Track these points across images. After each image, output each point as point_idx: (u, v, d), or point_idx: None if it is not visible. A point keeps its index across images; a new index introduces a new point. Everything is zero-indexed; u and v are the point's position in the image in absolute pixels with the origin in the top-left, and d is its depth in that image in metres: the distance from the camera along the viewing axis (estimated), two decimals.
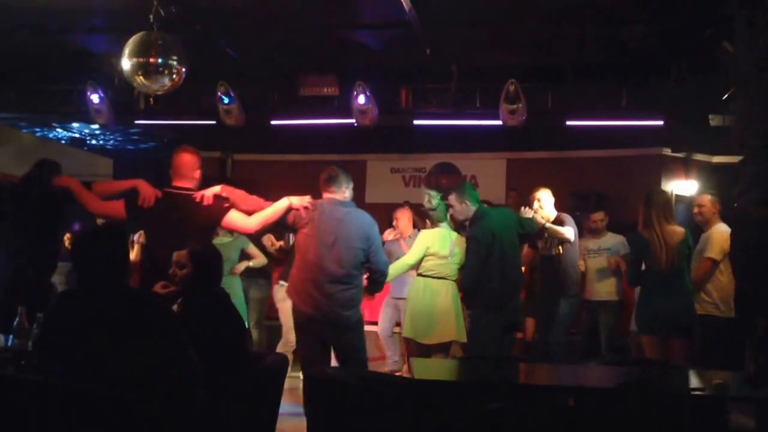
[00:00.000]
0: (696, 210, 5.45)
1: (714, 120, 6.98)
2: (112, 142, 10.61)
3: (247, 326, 5.72)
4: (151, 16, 4.85)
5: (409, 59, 6.72)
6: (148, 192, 3.98)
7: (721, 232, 5.25)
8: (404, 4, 5.19)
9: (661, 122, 7.32)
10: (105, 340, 2.61)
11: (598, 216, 6.54)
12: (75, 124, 9.64)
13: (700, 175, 8.50)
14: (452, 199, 5.08)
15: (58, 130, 10.08)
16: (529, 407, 2.84)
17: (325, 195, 4.28)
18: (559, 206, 5.78)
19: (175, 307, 3.28)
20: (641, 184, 7.63)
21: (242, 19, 5.98)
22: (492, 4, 5.59)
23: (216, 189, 4.11)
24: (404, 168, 9.63)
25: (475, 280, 4.83)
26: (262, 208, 4.14)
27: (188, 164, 4.13)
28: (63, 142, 10.48)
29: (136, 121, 8.60)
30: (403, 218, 6.43)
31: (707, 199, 5.46)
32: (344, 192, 4.27)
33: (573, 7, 5.59)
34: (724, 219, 5.38)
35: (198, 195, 4.05)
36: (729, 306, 5.22)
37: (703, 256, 5.21)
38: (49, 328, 2.78)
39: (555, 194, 5.72)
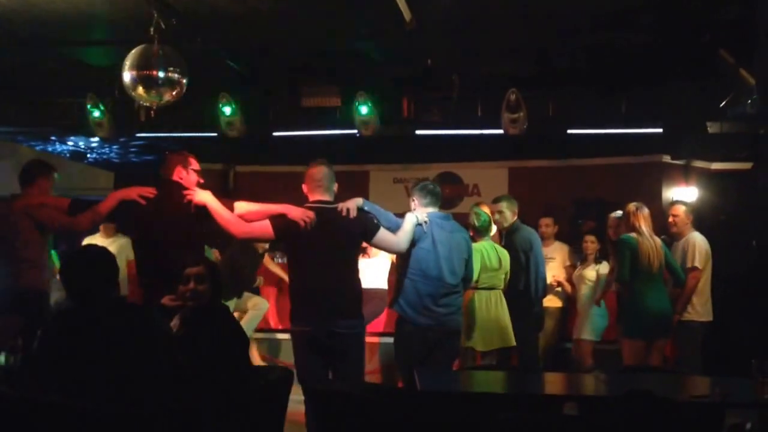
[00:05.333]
0: (671, 219, 5.60)
1: (712, 127, 7.02)
2: (113, 155, 10.62)
3: None
4: (152, 29, 4.84)
5: (411, 69, 6.76)
6: (300, 214, 3.78)
7: (697, 240, 5.45)
8: (405, 14, 5.22)
9: (660, 130, 7.36)
10: (100, 355, 2.62)
11: (545, 221, 6.59)
12: (75, 138, 9.65)
13: (700, 182, 8.51)
14: (504, 206, 5.44)
15: (58, 143, 10.09)
16: (534, 417, 2.84)
17: (429, 209, 4.27)
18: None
19: (175, 321, 3.27)
20: (642, 191, 7.63)
21: (243, 30, 6.01)
22: (491, 14, 5.61)
23: (358, 201, 3.96)
24: (407, 178, 9.60)
25: (528, 286, 5.37)
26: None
27: (328, 176, 3.96)
28: (63, 155, 10.48)
29: (137, 134, 8.63)
30: None
31: (682, 209, 5.61)
32: (438, 206, 4.37)
33: (572, 17, 5.62)
34: (698, 228, 5.58)
35: (342, 208, 3.89)
36: (707, 310, 5.43)
37: (687, 266, 5.38)
38: (44, 345, 2.79)
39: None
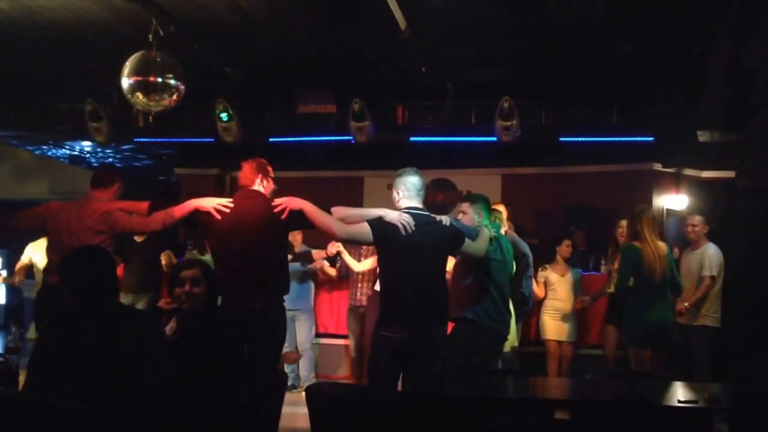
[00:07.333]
0: (690, 229, 5.79)
1: (702, 136, 7.08)
2: (111, 159, 10.64)
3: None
4: (150, 35, 4.89)
5: (405, 77, 6.81)
6: (397, 217, 3.75)
7: (713, 250, 5.64)
8: (400, 23, 5.28)
9: (651, 138, 7.43)
10: (97, 357, 2.65)
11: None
12: (74, 142, 9.67)
13: (690, 190, 8.58)
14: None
15: (56, 148, 10.11)
16: (526, 421, 2.88)
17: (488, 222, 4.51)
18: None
19: (172, 324, 3.30)
20: (633, 199, 7.68)
21: (240, 37, 6.06)
22: (485, 23, 5.68)
23: (447, 216, 4.05)
24: None
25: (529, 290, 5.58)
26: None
27: (424, 185, 3.96)
28: (62, 159, 10.50)
29: (135, 139, 8.65)
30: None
31: (700, 219, 5.80)
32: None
33: (565, 27, 5.69)
34: (711, 238, 5.73)
35: (438, 217, 3.94)
36: (719, 317, 5.56)
37: (703, 274, 5.58)
38: (42, 346, 2.81)
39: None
